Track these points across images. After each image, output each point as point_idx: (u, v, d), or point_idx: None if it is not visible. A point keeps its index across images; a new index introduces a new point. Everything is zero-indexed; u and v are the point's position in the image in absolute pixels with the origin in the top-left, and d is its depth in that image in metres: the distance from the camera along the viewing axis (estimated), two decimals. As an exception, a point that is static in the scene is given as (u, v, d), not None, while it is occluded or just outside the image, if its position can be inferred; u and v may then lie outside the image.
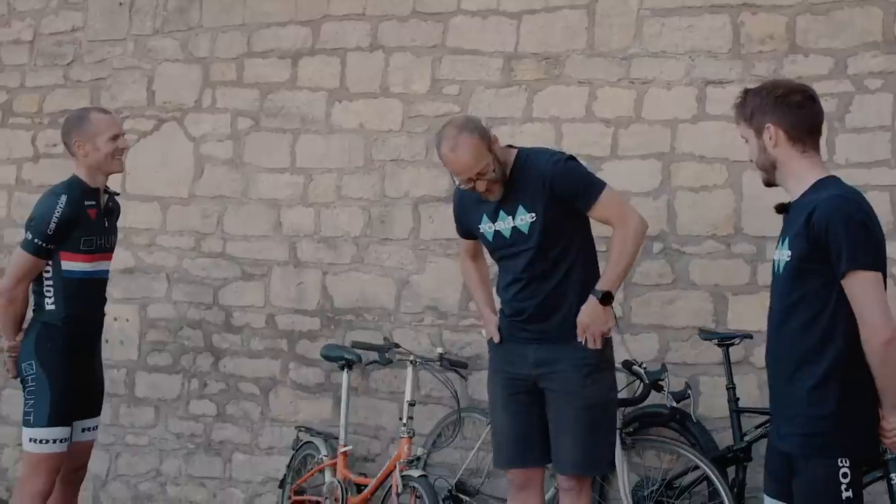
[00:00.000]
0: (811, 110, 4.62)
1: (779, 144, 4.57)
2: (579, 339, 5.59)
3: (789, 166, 4.60)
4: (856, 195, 4.50)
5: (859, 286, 4.30)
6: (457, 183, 5.84)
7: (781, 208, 4.70)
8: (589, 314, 5.59)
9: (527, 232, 5.70)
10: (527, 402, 5.75)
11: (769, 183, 4.71)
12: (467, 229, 6.13)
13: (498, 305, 6.09)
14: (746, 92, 4.75)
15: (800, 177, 4.59)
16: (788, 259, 4.47)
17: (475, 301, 6.35)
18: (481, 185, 5.68)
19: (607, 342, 5.75)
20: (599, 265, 5.89)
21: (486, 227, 5.87)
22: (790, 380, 4.48)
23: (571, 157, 5.88)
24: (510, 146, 5.97)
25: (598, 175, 6.07)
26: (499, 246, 5.85)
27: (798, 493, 4.45)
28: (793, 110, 4.57)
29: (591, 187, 5.72)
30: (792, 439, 4.46)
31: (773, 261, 4.66)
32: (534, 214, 5.67)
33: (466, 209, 6.04)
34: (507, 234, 5.78)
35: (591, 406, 5.59)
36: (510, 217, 5.75)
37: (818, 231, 4.33)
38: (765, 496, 4.73)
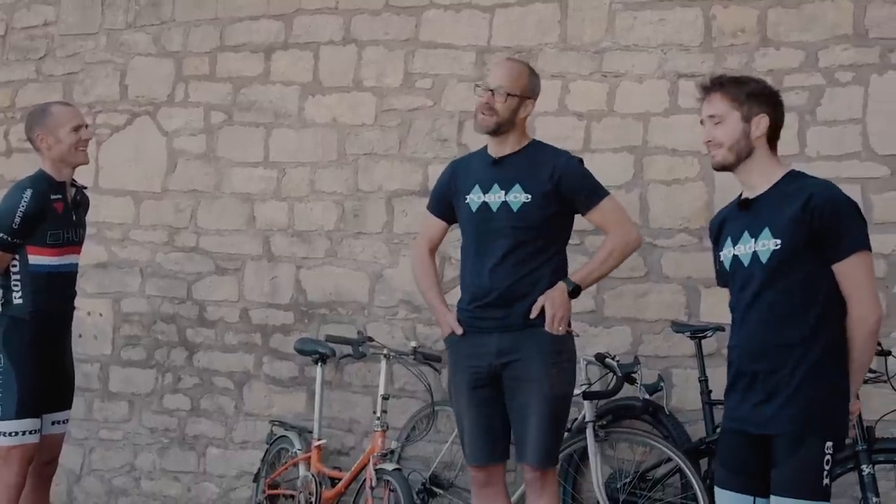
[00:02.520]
0: (783, 114, 4.81)
1: (761, 136, 4.66)
2: (540, 318, 5.63)
3: (760, 160, 4.69)
4: None
5: (861, 268, 4.49)
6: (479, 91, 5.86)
7: (745, 204, 4.73)
8: (555, 298, 5.63)
9: (516, 210, 5.68)
10: (489, 396, 5.73)
11: (725, 167, 4.74)
12: (447, 201, 6.06)
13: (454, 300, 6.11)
14: (738, 77, 4.85)
15: (766, 172, 4.69)
16: (777, 248, 4.51)
17: (428, 296, 6.21)
18: (494, 100, 5.74)
19: (569, 336, 5.77)
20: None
21: (474, 198, 5.82)
22: (781, 365, 4.51)
23: (581, 160, 5.98)
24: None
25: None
26: (481, 219, 5.79)
27: (782, 478, 4.46)
28: (779, 110, 4.76)
29: (596, 190, 5.82)
30: (782, 420, 4.48)
31: (732, 255, 4.71)
32: (529, 196, 5.67)
33: (458, 175, 6.02)
34: (494, 207, 5.74)
35: (555, 396, 5.60)
36: (503, 192, 5.73)
37: (820, 216, 4.45)
38: (721, 490, 4.73)
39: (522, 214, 5.67)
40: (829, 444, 4.42)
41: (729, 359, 4.81)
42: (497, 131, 5.80)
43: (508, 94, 5.75)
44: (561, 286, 5.67)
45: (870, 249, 4.53)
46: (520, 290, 5.67)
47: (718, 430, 6.55)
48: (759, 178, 4.68)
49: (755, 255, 4.60)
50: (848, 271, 4.47)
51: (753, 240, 4.61)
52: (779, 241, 4.51)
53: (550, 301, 5.62)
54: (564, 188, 5.70)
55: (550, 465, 5.71)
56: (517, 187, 5.70)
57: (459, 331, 5.83)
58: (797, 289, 4.51)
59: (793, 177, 4.69)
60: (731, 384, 4.74)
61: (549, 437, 5.61)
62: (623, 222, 5.87)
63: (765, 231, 4.57)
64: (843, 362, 4.51)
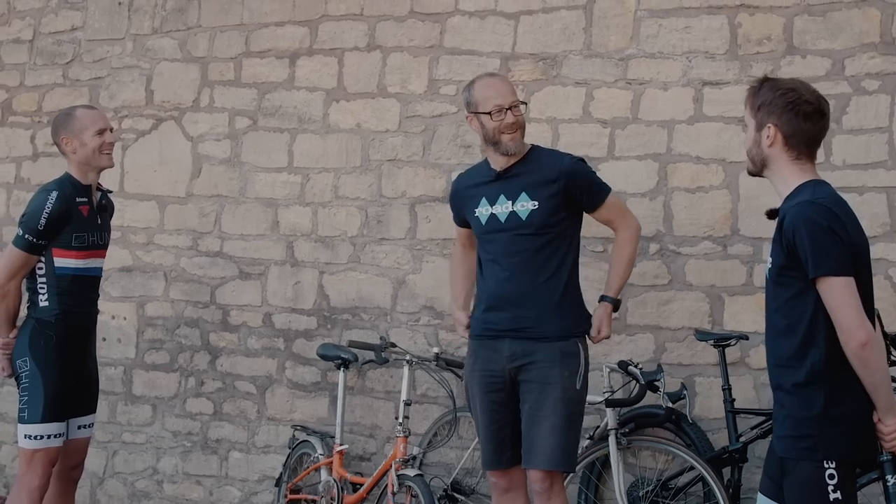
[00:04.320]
0: (816, 125, 4.58)
1: (774, 145, 4.55)
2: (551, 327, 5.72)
3: (778, 168, 4.60)
4: (826, 199, 4.44)
5: (829, 292, 4.30)
6: (489, 112, 5.84)
7: (772, 214, 4.67)
8: (607, 323, 5.93)
9: (524, 219, 5.74)
10: (503, 400, 5.77)
11: (754, 173, 4.71)
12: (462, 217, 6.15)
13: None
14: (763, 81, 4.72)
15: (785, 181, 4.58)
16: (770, 266, 4.53)
17: (453, 289, 6.51)
18: (512, 118, 5.78)
19: (587, 344, 5.84)
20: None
21: (482, 211, 5.89)
22: (778, 383, 4.51)
23: (583, 160, 6.04)
24: None
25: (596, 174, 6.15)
26: (490, 230, 5.85)
27: (788, 494, 4.45)
28: (798, 120, 4.53)
29: (601, 188, 5.92)
30: (782, 441, 4.47)
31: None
32: (536, 203, 5.72)
33: (463, 195, 6.09)
34: (502, 218, 5.81)
35: (569, 399, 5.62)
36: (510, 202, 5.79)
37: (788, 238, 4.35)
38: (759, 494, 4.73)
39: (531, 221, 5.73)
40: (828, 461, 4.33)
41: None
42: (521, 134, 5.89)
43: (524, 103, 5.95)
44: (607, 307, 5.91)
45: (838, 273, 4.28)
46: (533, 297, 5.72)
47: (742, 438, 6.59)
48: (780, 186, 4.62)
49: (769, 270, 4.61)
50: (822, 295, 4.33)
51: (771, 256, 4.59)
52: (771, 259, 4.53)
53: (606, 325, 5.92)
54: (571, 190, 5.77)
55: (563, 467, 5.69)
56: (523, 196, 5.78)
57: (464, 323, 6.12)
58: (785, 308, 4.47)
59: (799, 190, 4.53)
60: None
61: (562, 439, 5.61)
62: (626, 214, 6.05)
63: (773, 246, 4.57)
64: (841, 379, 4.36)
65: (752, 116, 4.63)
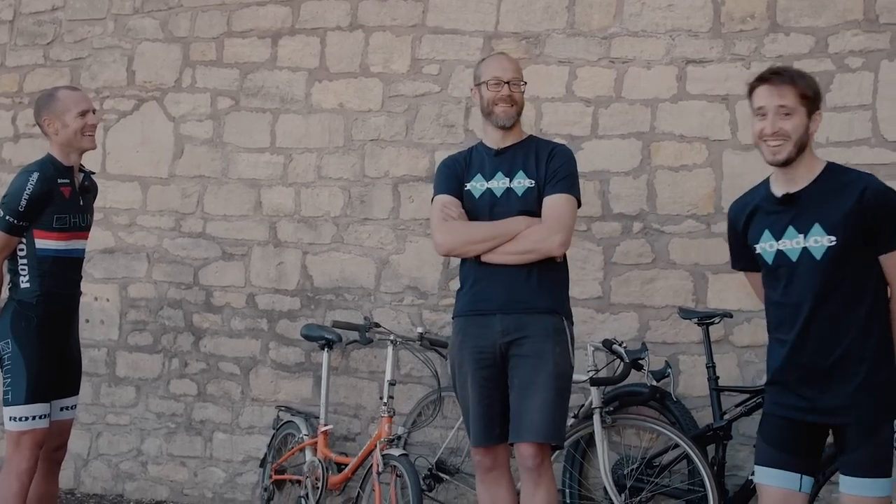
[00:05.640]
0: None
1: (814, 132, 4.76)
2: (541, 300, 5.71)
3: (808, 155, 4.77)
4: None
5: None
6: (485, 87, 5.88)
7: (787, 199, 4.74)
8: None
9: (521, 195, 5.75)
10: (493, 376, 5.74)
11: (788, 162, 4.72)
12: (456, 187, 5.99)
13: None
14: (789, 69, 4.89)
15: (810, 167, 4.76)
16: (832, 244, 4.61)
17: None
18: (507, 90, 5.82)
19: (570, 324, 5.82)
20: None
21: (477, 185, 5.88)
22: (843, 356, 4.63)
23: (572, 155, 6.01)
24: None
25: (578, 154, 6.13)
26: (485, 204, 5.83)
27: (856, 460, 4.63)
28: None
29: (560, 182, 5.79)
30: (854, 410, 4.61)
31: (776, 250, 4.75)
32: (532, 182, 5.75)
33: (456, 169, 6.02)
34: (498, 193, 5.81)
35: (559, 374, 5.62)
36: (507, 178, 5.80)
37: (876, 210, 4.59)
38: (767, 468, 4.81)
39: (527, 199, 5.73)
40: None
41: (776, 351, 4.84)
42: (515, 121, 5.89)
43: (523, 80, 5.93)
44: None
45: None
46: (522, 273, 5.69)
47: (726, 416, 6.60)
48: (804, 173, 4.74)
49: (806, 251, 4.67)
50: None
51: (802, 235, 4.68)
52: (833, 238, 4.61)
53: None
54: (550, 168, 5.77)
55: (554, 440, 5.68)
56: (521, 174, 5.79)
57: None
58: (850, 283, 4.63)
59: (833, 171, 4.78)
60: (783, 374, 4.79)
61: (553, 412, 5.60)
62: (554, 222, 5.71)
63: (815, 227, 4.65)
64: (890, 348, 4.68)
65: (800, 104, 4.69)
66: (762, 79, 4.78)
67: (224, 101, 8.51)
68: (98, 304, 8.73)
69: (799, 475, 4.73)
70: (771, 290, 4.86)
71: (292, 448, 7.76)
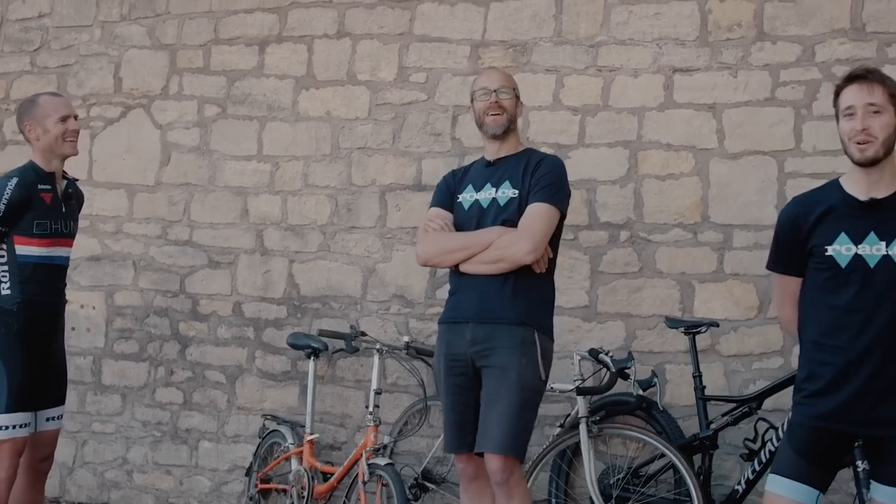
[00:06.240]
0: None
1: None
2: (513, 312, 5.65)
3: (892, 161, 4.70)
4: None
5: None
6: (476, 99, 5.92)
7: (873, 203, 4.69)
8: None
9: (503, 205, 5.73)
10: (465, 384, 5.73)
11: (875, 161, 4.66)
12: (447, 201, 6.02)
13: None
14: (873, 70, 4.80)
15: (895, 173, 4.72)
16: None
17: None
18: (497, 98, 5.83)
19: (551, 342, 5.78)
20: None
21: (467, 196, 5.89)
22: None
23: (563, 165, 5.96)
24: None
25: (566, 162, 6.07)
26: (472, 215, 5.82)
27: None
28: None
29: (544, 191, 5.71)
30: None
31: (853, 253, 4.69)
32: (516, 191, 5.72)
33: (451, 182, 6.05)
34: (485, 204, 5.80)
35: (523, 386, 5.55)
36: (494, 189, 5.79)
37: None
38: (790, 481, 4.75)
39: (509, 209, 5.71)
40: None
41: (817, 356, 4.77)
42: (506, 130, 5.88)
43: (513, 89, 5.92)
44: None
45: None
46: (496, 283, 5.67)
47: (712, 425, 6.59)
48: (888, 178, 4.69)
49: (888, 258, 4.62)
50: None
51: (884, 243, 4.63)
52: None
53: None
54: (535, 177, 5.72)
55: (511, 451, 5.57)
56: (506, 184, 5.77)
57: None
58: None
59: None
60: (827, 383, 4.71)
61: (514, 424, 5.54)
62: (523, 230, 5.66)
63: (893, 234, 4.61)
64: None
65: (889, 102, 4.64)
66: (851, 78, 4.72)
67: (211, 109, 8.49)
68: (84, 311, 8.69)
69: (817, 492, 4.70)
70: (831, 295, 4.73)
71: (278, 457, 7.74)
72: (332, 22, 8.18)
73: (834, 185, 4.88)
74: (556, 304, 5.95)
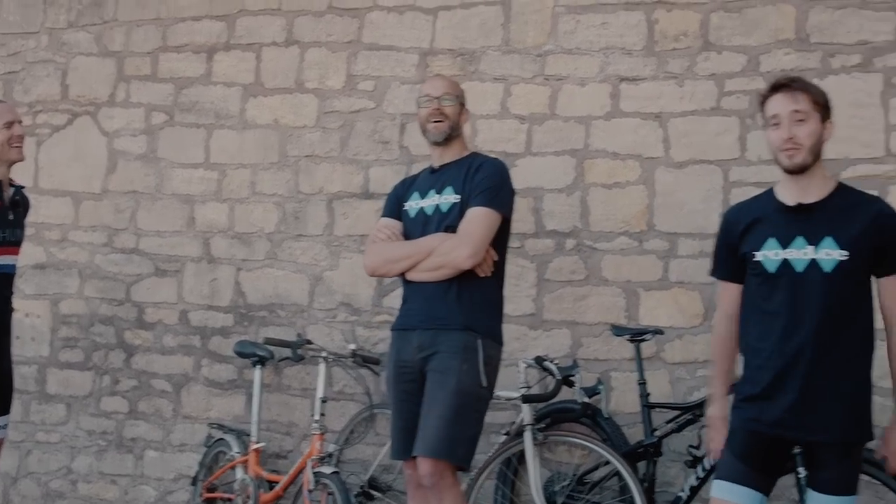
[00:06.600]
0: None
1: (827, 141, 4.78)
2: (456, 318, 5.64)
3: (820, 166, 4.78)
4: None
5: None
6: (421, 105, 5.92)
7: (801, 208, 4.73)
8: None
9: (445, 211, 5.72)
10: (412, 390, 5.69)
11: (804, 169, 4.70)
12: (395, 210, 6.02)
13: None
14: (797, 78, 4.85)
15: (824, 180, 4.79)
16: (843, 259, 4.62)
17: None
18: (439, 104, 5.81)
19: (492, 341, 5.73)
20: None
21: (413, 204, 5.88)
22: (840, 374, 4.63)
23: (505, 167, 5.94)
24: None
25: (512, 171, 6.05)
26: (418, 222, 5.82)
27: (830, 479, 4.66)
28: None
29: (483, 195, 5.68)
30: (837, 428, 4.63)
31: (781, 259, 4.72)
32: (458, 197, 5.70)
33: (399, 191, 6.05)
34: (429, 211, 5.79)
35: (461, 391, 5.51)
36: (438, 195, 5.78)
37: (887, 234, 4.64)
38: (731, 484, 4.75)
39: (451, 214, 5.69)
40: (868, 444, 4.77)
41: (754, 361, 4.80)
42: (449, 137, 5.85)
43: (457, 97, 5.89)
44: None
45: None
46: (440, 290, 5.66)
47: (656, 432, 6.61)
48: (818, 184, 4.75)
49: (814, 262, 4.65)
50: (891, 289, 4.74)
51: (812, 247, 4.66)
52: (846, 253, 4.60)
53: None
54: (475, 181, 5.70)
55: (445, 456, 5.51)
56: (448, 189, 5.75)
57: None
58: (851, 300, 4.65)
59: (845, 189, 4.80)
60: (766, 387, 4.73)
61: (448, 428, 5.48)
62: (462, 235, 5.63)
63: (827, 240, 4.64)
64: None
65: (814, 109, 4.70)
66: (775, 87, 4.76)
67: (158, 116, 8.46)
68: (29, 320, 8.62)
69: (761, 495, 4.71)
70: (763, 300, 4.78)
71: (224, 466, 7.70)
72: (281, 30, 8.17)
73: (767, 194, 4.95)
74: (503, 312, 5.90)
